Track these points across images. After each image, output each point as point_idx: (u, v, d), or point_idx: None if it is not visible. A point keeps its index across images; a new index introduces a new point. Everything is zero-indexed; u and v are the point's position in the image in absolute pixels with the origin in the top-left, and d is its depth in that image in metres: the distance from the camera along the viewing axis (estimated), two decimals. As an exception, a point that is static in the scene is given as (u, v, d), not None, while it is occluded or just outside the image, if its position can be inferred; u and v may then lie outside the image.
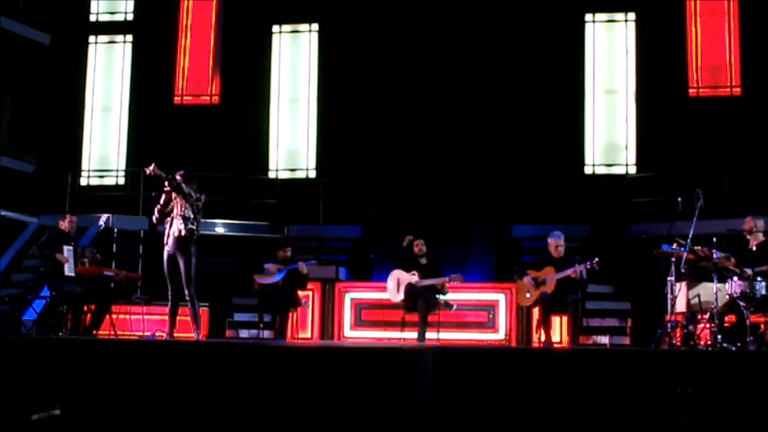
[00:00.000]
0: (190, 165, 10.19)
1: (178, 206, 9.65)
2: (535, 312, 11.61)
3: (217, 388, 6.46)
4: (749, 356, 7.80)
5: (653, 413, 6.56)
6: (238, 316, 13.49)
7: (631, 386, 6.70)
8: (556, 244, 11.06)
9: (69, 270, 11.01)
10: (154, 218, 9.85)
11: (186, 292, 9.63)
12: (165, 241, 9.73)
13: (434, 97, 16.16)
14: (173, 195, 9.66)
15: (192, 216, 9.63)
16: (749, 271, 9.53)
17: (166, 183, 9.54)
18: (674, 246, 9.94)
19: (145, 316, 12.57)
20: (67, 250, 11.04)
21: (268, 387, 6.37)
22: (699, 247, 9.94)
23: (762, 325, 9.62)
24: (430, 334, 11.61)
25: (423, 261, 11.87)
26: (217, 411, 6.40)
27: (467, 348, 9.22)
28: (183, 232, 9.55)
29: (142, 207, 15.14)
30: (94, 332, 11.18)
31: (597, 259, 10.58)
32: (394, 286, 11.81)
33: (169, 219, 9.69)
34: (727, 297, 9.47)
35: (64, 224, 11.33)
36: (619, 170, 16.10)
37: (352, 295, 13.42)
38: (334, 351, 6.85)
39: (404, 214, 15.12)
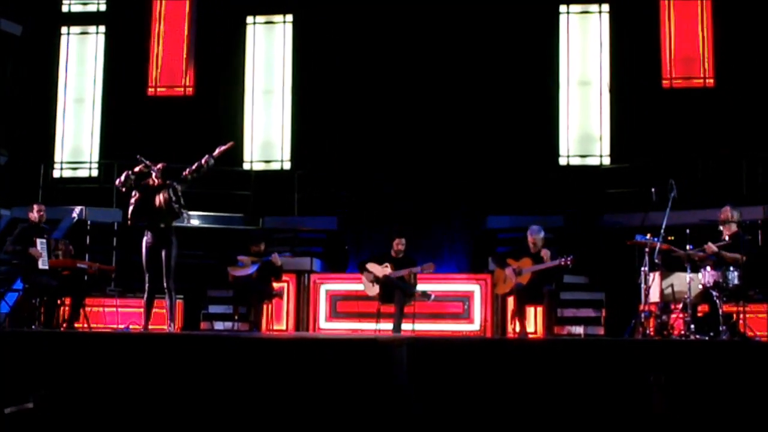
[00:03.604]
0: (164, 157, 10.10)
1: (159, 197, 9.62)
2: (510, 302, 11.66)
3: (192, 381, 6.45)
4: (722, 345, 7.86)
5: (627, 402, 6.60)
6: (213, 308, 13.46)
7: (606, 376, 6.74)
8: (532, 240, 11.11)
9: (43, 263, 10.93)
10: (119, 179, 9.74)
11: (165, 283, 9.61)
12: (135, 224, 9.70)
13: (409, 89, 16.12)
14: (155, 182, 9.65)
15: (181, 204, 9.68)
16: (714, 247, 9.63)
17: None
18: (647, 236, 10.00)
19: (119, 309, 12.51)
20: (40, 243, 10.95)
21: (243, 379, 6.36)
22: (671, 238, 10.01)
23: (734, 315, 9.70)
24: (406, 325, 11.63)
25: (399, 255, 11.92)
26: (192, 403, 6.38)
27: (442, 339, 9.25)
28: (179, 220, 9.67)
29: (115, 199, 15.04)
30: (74, 324, 11.10)
31: (571, 257, 10.63)
32: (370, 280, 11.83)
33: (137, 199, 9.64)
34: (700, 287, 9.55)
35: (33, 215, 11.24)
36: (593, 161, 16.14)
37: (327, 286, 13.43)
38: (309, 342, 6.85)
39: (379, 205, 15.12)
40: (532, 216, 14.02)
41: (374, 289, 11.81)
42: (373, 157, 15.89)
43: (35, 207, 11.31)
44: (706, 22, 15.82)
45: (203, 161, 9.81)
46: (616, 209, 14.70)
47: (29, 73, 17.46)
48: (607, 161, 16.04)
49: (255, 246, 12.17)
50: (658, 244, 9.81)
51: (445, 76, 16.13)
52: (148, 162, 9.64)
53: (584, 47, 16.45)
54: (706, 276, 9.43)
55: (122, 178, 9.68)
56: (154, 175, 9.65)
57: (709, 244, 9.78)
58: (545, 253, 10.97)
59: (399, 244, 11.95)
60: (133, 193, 9.69)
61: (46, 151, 17.22)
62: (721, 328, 9.17)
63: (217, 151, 9.88)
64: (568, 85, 16.36)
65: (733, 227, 9.98)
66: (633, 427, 6.57)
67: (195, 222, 15.18)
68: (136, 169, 9.66)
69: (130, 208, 9.70)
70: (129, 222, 9.79)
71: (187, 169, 9.84)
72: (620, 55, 16.19)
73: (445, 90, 16.08)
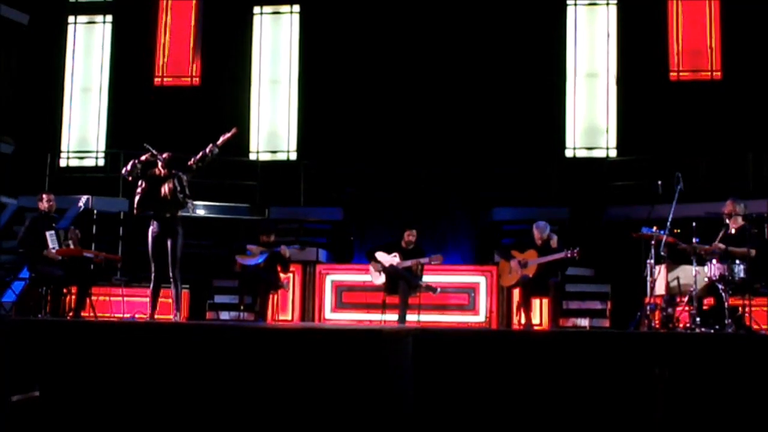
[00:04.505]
0: (171, 146, 10.07)
1: (165, 187, 9.61)
2: (516, 294, 11.67)
3: (197, 370, 6.46)
4: (727, 339, 7.85)
5: (632, 395, 6.60)
6: (219, 298, 13.47)
7: (611, 368, 6.74)
8: (539, 236, 11.10)
9: (53, 255, 10.91)
10: (125, 168, 9.71)
11: (171, 273, 9.60)
12: (141, 213, 9.70)
13: (416, 81, 16.15)
14: (162, 172, 9.63)
15: (186, 194, 9.66)
16: (721, 246, 9.61)
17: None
18: (653, 229, 9.98)
19: (125, 298, 12.52)
20: (50, 236, 10.91)
21: (249, 369, 6.37)
22: (677, 231, 9.99)
23: (740, 308, 9.68)
24: (411, 317, 11.64)
25: (410, 247, 11.92)
26: (197, 392, 6.40)
27: (447, 330, 9.25)
28: (183, 208, 9.65)
29: (122, 188, 15.05)
30: (80, 313, 11.10)
31: (577, 249, 10.62)
32: (377, 269, 11.83)
33: (144, 189, 9.62)
34: (706, 280, 9.52)
35: (43, 205, 11.19)
36: (599, 154, 16.15)
37: (333, 277, 13.43)
38: (314, 333, 6.85)
39: (385, 196, 15.12)
40: (538, 208, 14.06)
41: (380, 279, 11.82)
42: (379, 147, 15.91)
43: (44, 196, 11.23)
44: (714, 15, 15.80)
45: (207, 150, 9.80)
46: (622, 202, 14.69)
47: (36, 62, 17.46)
48: (613, 153, 16.05)
49: (265, 236, 12.16)
50: (664, 237, 9.80)
51: (451, 67, 16.14)
52: (154, 151, 9.63)
53: (591, 39, 16.44)
54: (712, 269, 9.41)
55: (128, 167, 9.66)
56: (160, 164, 9.64)
57: (716, 243, 9.73)
58: (554, 241, 11.01)
59: (410, 236, 11.93)
60: (140, 183, 9.68)
61: (53, 141, 17.24)
62: (726, 321, 9.15)
63: (221, 140, 9.86)
64: (575, 77, 16.36)
65: (740, 220, 9.96)
66: (638, 419, 6.57)
67: (201, 212, 15.20)
68: (143, 158, 9.64)
69: (137, 198, 9.69)
70: (135, 212, 9.79)
71: (192, 159, 9.83)
72: (627, 47, 16.18)
73: (451, 81, 16.10)
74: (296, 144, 16.98)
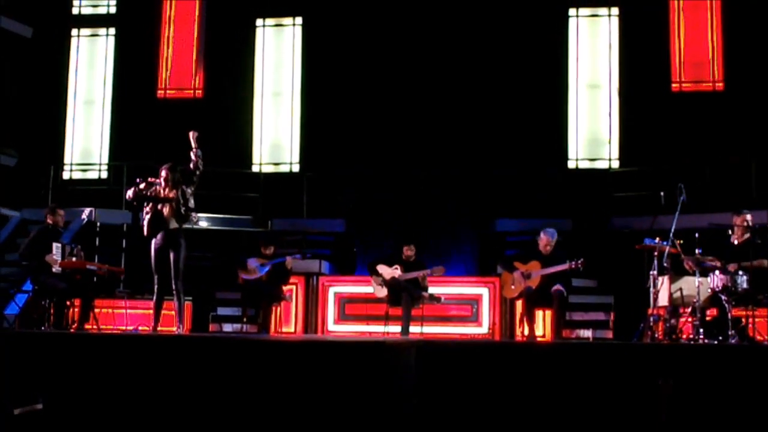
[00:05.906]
0: (173, 159, 10.13)
1: (169, 206, 9.64)
2: (519, 306, 11.64)
3: (200, 382, 6.46)
4: (730, 350, 7.84)
5: (635, 406, 6.59)
6: (222, 311, 13.46)
7: (614, 380, 6.73)
8: (547, 242, 11.03)
9: (56, 268, 10.93)
10: (129, 194, 9.79)
11: (174, 285, 9.62)
12: (151, 236, 9.71)
13: (418, 91, 16.15)
14: (164, 191, 9.67)
15: (189, 207, 9.69)
16: (733, 265, 9.58)
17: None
18: (656, 240, 9.97)
19: (128, 310, 12.52)
20: (56, 248, 10.94)
21: (252, 381, 6.37)
22: (680, 242, 9.98)
23: (743, 319, 9.67)
24: (414, 328, 11.62)
25: (410, 260, 11.92)
26: (200, 405, 6.40)
27: (450, 342, 9.25)
28: (187, 223, 9.69)
29: (124, 201, 15.04)
30: (83, 325, 11.11)
31: (581, 260, 10.57)
32: (378, 282, 11.83)
33: (151, 209, 9.66)
34: (709, 291, 9.51)
35: (56, 218, 11.22)
36: (602, 164, 16.14)
37: (336, 289, 13.43)
38: (317, 345, 6.86)
39: (387, 207, 15.12)
40: (541, 219, 14.02)
41: (383, 291, 11.81)
42: (381, 159, 15.90)
43: (59, 211, 11.28)
44: (716, 26, 15.81)
45: (194, 159, 9.85)
46: (624, 213, 14.68)
47: (39, 74, 17.51)
48: (616, 164, 16.03)
49: (265, 248, 12.20)
50: (667, 248, 9.79)
51: (454, 78, 16.14)
52: (149, 179, 9.71)
53: (594, 50, 16.45)
54: (715, 280, 9.40)
55: (131, 194, 9.75)
56: (162, 185, 9.70)
57: (730, 265, 9.68)
58: (560, 268, 10.89)
59: (408, 250, 11.94)
60: (146, 204, 9.73)
61: (56, 153, 17.27)
62: (729, 332, 9.14)
63: (193, 144, 9.95)
64: (577, 88, 16.36)
65: (746, 232, 9.96)
66: (641, 430, 6.56)
67: (203, 224, 15.20)
68: (141, 186, 9.71)
69: (146, 220, 9.72)
70: (145, 233, 9.80)
71: (190, 171, 9.86)
72: (629, 58, 16.17)
73: (454, 92, 16.10)
74: (299, 156, 16.99)
